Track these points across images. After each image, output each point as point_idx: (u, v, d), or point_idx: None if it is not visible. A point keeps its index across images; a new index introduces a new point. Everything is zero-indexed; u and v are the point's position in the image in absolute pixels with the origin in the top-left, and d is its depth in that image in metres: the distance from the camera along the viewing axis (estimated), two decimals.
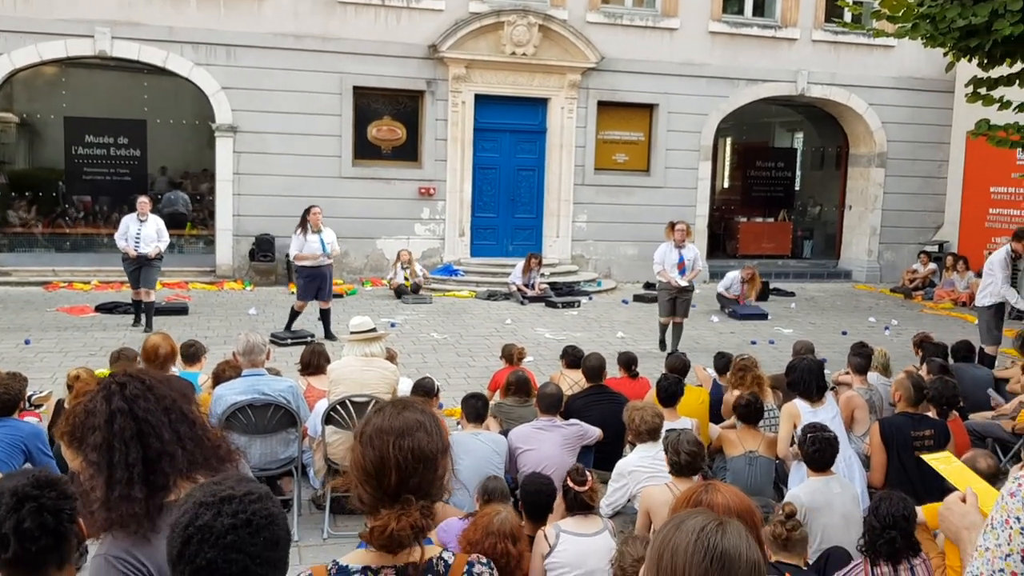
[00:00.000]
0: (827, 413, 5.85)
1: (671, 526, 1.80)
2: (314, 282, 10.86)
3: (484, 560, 2.14)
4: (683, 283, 10.75)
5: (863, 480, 5.78)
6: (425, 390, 6.07)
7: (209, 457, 2.37)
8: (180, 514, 1.76)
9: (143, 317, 11.22)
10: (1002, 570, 1.71)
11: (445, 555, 2.09)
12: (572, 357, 7.34)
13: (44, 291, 13.92)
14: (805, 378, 5.97)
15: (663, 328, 11.17)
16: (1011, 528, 1.71)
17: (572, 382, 6.98)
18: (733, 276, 14.49)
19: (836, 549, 4.48)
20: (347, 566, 2.04)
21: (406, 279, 14.48)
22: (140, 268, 11.00)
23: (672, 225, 11.08)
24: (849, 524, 4.69)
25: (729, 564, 1.68)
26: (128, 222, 11.10)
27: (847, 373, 7.19)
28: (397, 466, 2.00)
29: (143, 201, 11.25)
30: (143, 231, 11.00)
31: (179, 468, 2.29)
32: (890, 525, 4.00)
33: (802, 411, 5.83)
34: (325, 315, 11.11)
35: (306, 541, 5.50)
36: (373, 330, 6.21)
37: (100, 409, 2.32)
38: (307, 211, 11.01)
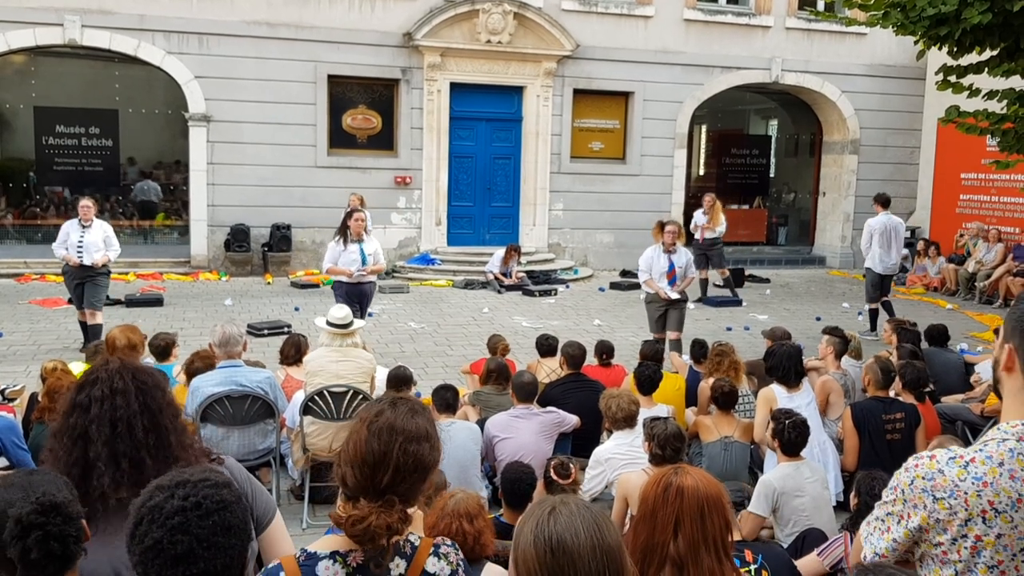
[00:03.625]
0: (803, 399, 5.94)
1: (521, 520, 1.85)
2: (350, 300, 8.56)
3: (449, 542, 2.17)
4: (673, 295, 9.03)
5: (836, 463, 5.87)
6: (401, 379, 6.08)
7: (139, 483, 2.09)
8: (140, 497, 1.80)
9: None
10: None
11: (411, 538, 2.11)
12: (544, 347, 7.38)
13: (16, 283, 13.76)
14: (784, 364, 6.05)
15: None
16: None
17: (549, 370, 7.02)
18: (696, 215, 14.15)
19: (812, 530, 4.56)
20: (315, 552, 2.07)
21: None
22: (84, 283, 9.31)
23: (662, 226, 9.22)
24: (819, 507, 4.79)
25: (567, 548, 1.72)
26: (68, 229, 9.38)
27: (819, 359, 7.28)
28: (396, 467, 2.02)
29: (85, 205, 9.44)
30: (86, 238, 9.28)
31: (102, 485, 2.24)
32: None
33: (779, 396, 5.91)
34: None
35: None
36: (352, 322, 6.21)
37: (67, 397, 2.34)
38: (347, 216, 9.11)
